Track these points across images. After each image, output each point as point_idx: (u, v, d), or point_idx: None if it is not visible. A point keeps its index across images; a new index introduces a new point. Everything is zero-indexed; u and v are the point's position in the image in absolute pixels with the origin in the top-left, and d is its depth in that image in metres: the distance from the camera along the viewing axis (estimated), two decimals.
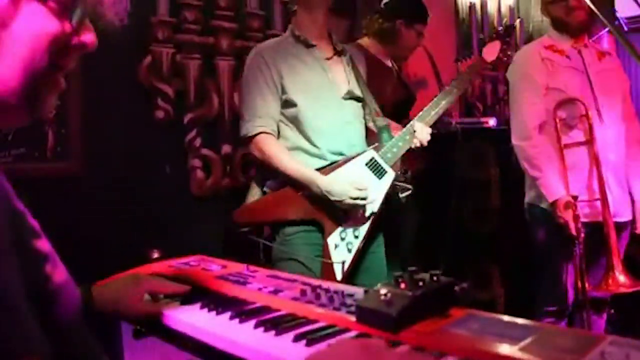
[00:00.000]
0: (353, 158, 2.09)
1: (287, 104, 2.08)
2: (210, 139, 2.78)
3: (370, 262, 2.13)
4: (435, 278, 0.95)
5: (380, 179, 2.09)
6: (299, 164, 2.04)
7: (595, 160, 2.38)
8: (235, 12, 2.89)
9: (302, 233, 2.05)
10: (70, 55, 0.73)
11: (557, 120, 2.43)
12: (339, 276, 1.97)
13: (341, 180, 2.00)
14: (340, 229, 2.04)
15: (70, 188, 2.37)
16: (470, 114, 4.09)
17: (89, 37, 0.73)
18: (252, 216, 2.10)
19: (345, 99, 2.15)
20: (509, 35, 2.41)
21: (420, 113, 2.21)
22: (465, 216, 3.22)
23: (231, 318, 1.02)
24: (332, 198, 1.98)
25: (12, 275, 0.59)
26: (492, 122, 3.40)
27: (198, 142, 2.74)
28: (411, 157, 2.44)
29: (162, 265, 1.44)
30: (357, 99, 2.19)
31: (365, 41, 2.76)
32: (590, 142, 2.39)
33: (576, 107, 2.42)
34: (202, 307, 1.10)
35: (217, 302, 1.11)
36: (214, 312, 1.07)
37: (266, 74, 2.06)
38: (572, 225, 2.31)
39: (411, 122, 2.17)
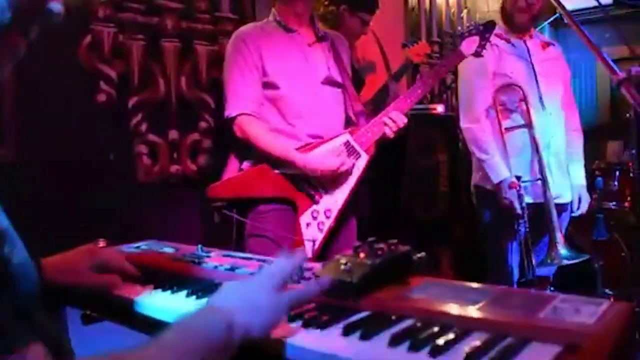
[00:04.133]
0: (330, 140, 2.12)
1: (268, 85, 2.10)
2: (156, 124, 2.69)
3: (342, 243, 2.14)
4: (393, 247, 0.96)
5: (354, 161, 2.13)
6: (279, 143, 2.06)
7: (534, 143, 2.47)
8: None
9: (275, 211, 2.06)
10: (35, 21, 0.70)
11: (499, 105, 2.51)
12: (309, 254, 1.98)
13: (319, 154, 2.06)
14: (312, 208, 2.07)
15: (5, 175, 2.23)
16: (418, 101, 4.15)
17: (57, 6, 0.71)
18: (228, 191, 2.08)
19: (324, 84, 2.17)
20: (489, 32, 2.35)
21: (396, 101, 2.22)
22: (416, 200, 3.28)
23: (187, 295, 1.00)
24: (314, 174, 2.03)
25: None
26: (440, 108, 3.48)
27: (144, 127, 2.65)
28: None
29: (111, 250, 1.38)
30: (337, 85, 2.22)
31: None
32: (529, 125, 2.48)
33: (516, 91, 2.50)
34: (156, 287, 1.06)
35: (172, 281, 1.07)
36: (169, 291, 1.03)
37: (247, 56, 2.09)
38: (516, 205, 2.40)
39: (387, 109, 2.18)
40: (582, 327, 0.70)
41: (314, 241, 2.02)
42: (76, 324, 1.16)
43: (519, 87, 2.49)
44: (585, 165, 2.72)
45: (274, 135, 2.09)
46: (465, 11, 4.72)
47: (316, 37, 2.22)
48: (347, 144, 2.13)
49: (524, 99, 2.49)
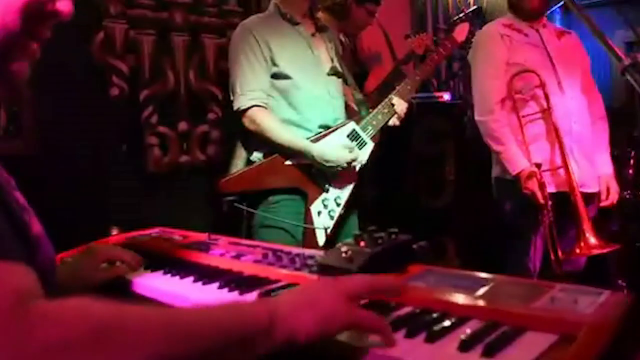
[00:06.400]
0: (336, 129, 2.17)
1: (278, 76, 2.13)
2: (166, 116, 2.73)
3: (346, 229, 2.20)
4: (393, 236, 0.98)
5: (360, 149, 2.19)
6: (292, 135, 2.10)
7: (554, 129, 2.38)
8: None
9: (286, 201, 2.12)
10: (45, 23, 0.72)
11: (515, 93, 2.43)
12: (321, 242, 2.05)
13: (333, 146, 2.10)
14: (322, 196, 2.14)
15: (23, 167, 2.28)
16: (425, 89, 4.13)
17: (65, 4, 0.72)
18: (241, 185, 2.13)
19: (329, 74, 2.23)
20: (477, 18, 2.58)
21: (398, 88, 2.33)
22: (421, 189, 3.29)
23: (195, 281, 1.03)
24: (328, 165, 2.07)
25: None
26: (446, 96, 3.46)
27: (154, 119, 2.69)
28: None
29: (121, 237, 1.43)
30: (339, 75, 2.27)
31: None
32: (547, 111, 2.39)
33: (532, 78, 2.42)
34: (165, 273, 1.11)
35: (180, 267, 1.12)
36: (177, 277, 1.08)
37: (255, 48, 2.11)
38: (538, 194, 2.31)
39: (389, 97, 2.29)
40: (579, 317, 0.68)
41: (326, 229, 2.08)
42: None
43: (535, 72, 2.40)
44: None
45: (286, 127, 2.12)
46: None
47: (316, 28, 2.28)
48: (353, 132, 2.20)
49: (541, 85, 2.39)
